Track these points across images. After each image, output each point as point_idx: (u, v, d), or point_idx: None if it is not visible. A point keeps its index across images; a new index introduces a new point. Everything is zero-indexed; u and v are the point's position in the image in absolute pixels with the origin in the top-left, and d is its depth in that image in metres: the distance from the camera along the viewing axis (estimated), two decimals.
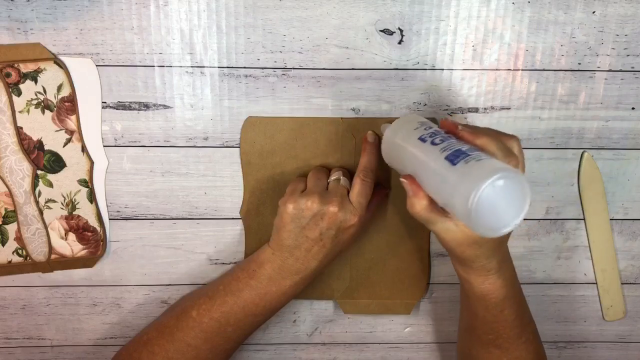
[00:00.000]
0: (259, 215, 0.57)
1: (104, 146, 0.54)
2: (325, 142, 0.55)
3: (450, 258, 0.48)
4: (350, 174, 0.54)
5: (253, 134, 0.54)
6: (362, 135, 0.54)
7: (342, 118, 0.54)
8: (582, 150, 0.56)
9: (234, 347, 0.54)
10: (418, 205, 0.43)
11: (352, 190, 0.50)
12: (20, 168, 0.54)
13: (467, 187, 0.37)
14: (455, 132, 0.43)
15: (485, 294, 0.47)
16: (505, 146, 0.42)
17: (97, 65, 0.52)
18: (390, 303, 0.60)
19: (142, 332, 0.55)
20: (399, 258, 0.59)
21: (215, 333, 0.52)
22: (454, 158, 0.39)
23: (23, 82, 0.51)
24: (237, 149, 0.55)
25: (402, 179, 0.44)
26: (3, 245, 0.56)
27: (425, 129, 0.45)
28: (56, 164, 0.54)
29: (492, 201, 0.37)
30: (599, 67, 0.54)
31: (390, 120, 0.50)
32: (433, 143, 0.42)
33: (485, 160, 0.38)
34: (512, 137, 0.44)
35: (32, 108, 0.52)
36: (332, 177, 0.52)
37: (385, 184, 0.56)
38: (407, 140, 0.45)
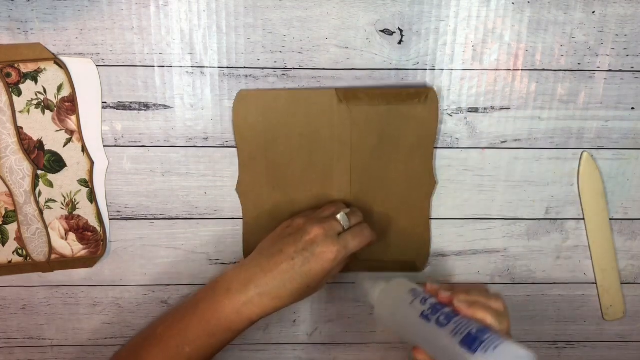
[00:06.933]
0: (254, 192, 0.56)
1: (104, 146, 0.54)
2: (319, 114, 0.54)
3: None
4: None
5: (245, 108, 0.53)
6: (356, 104, 0.53)
7: (336, 89, 0.54)
8: (582, 150, 0.56)
9: None
10: None
11: (348, 230, 0.51)
12: (20, 168, 0.54)
13: None
14: (450, 305, 0.45)
15: None
16: (496, 312, 0.45)
17: (97, 65, 0.52)
18: None
19: (126, 345, 0.56)
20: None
21: (174, 352, 0.50)
22: (470, 344, 0.41)
23: (23, 82, 0.51)
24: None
25: (417, 358, 0.46)
26: (3, 245, 0.56)
27: (421, 301, 0.46)
28: (56, 164, 0.54)
29: None
30: (598, 67, 0.54)
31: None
32: (439, 324, 0.44)
33: (500, 345, 0.40)
34: (497, 297, 0.46)
35: (32, 108, 0.52)
36: (338, 214, 0.52)
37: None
38: (408, 317, 0.46)
